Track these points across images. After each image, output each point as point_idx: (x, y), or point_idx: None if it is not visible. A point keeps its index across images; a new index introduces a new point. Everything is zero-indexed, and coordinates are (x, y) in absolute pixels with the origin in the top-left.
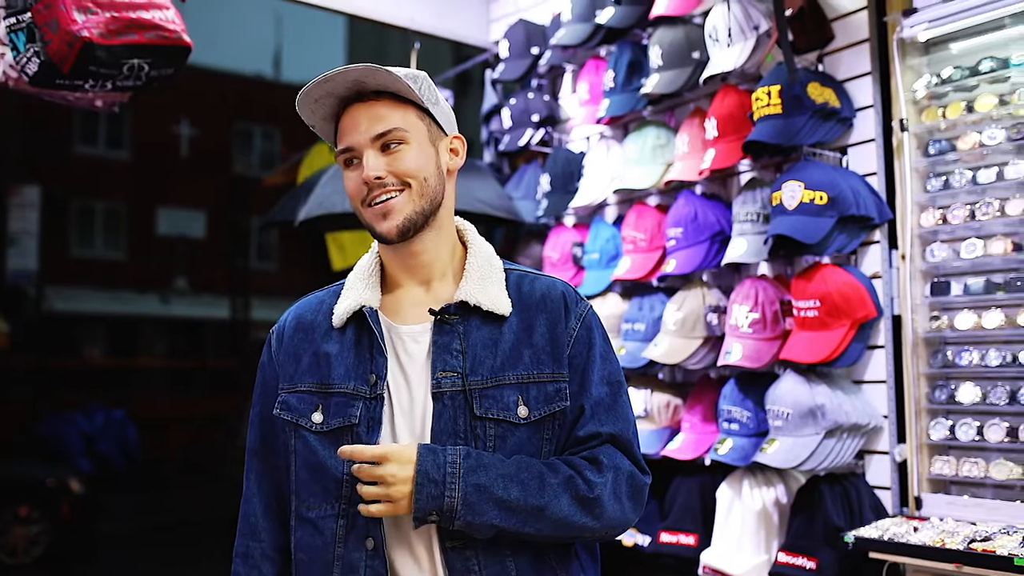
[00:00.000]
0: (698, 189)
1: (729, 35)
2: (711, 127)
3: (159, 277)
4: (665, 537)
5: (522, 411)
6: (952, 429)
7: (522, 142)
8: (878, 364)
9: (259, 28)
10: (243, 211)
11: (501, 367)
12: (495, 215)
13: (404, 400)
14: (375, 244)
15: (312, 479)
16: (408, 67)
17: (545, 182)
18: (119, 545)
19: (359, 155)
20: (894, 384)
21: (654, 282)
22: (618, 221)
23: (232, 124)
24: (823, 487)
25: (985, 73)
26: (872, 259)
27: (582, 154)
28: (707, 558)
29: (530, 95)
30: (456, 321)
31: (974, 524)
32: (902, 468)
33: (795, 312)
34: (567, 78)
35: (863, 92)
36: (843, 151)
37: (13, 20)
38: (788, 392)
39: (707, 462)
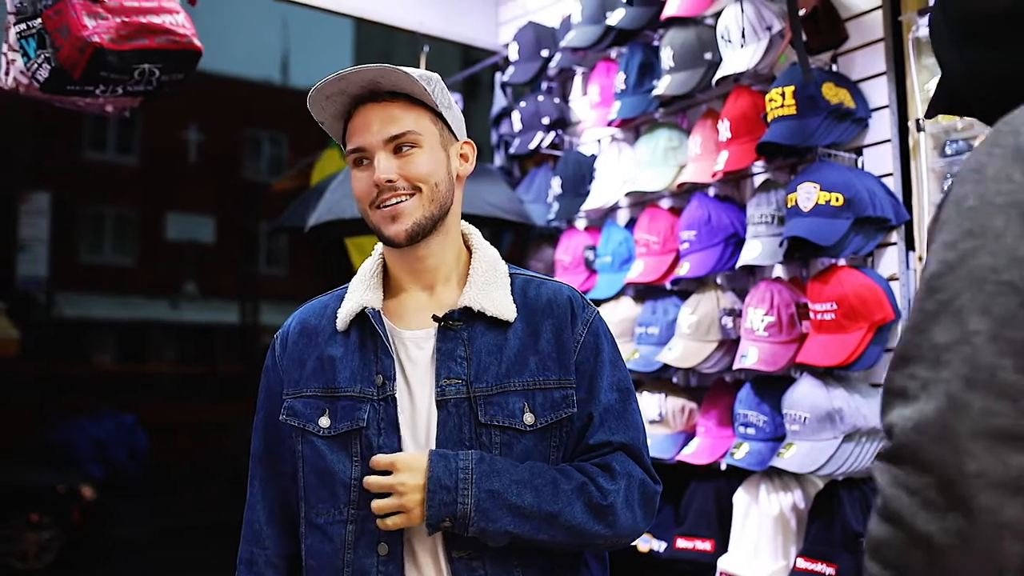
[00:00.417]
0: (711, 191)
1: (742, 36)
2: (724, 128)
3: (169, 282)
4: (681, 543)
5: (528, 418)
6: None
7: (532, 145)
8: None
9: (266, 33)
10: (252, 216)
11: (506, 374)
12: (505, 219)
13: (407, 407)
14: (378, 247)
15: (320, 484)
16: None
17: (556, 185)
18: (130, 550)
19: (370, 156)
20: None
21: (667, 285)
22: (630, 224)
23: (240, 129)
24: (842, 492)
25: None
26: (889, 261)
27: (593, 157)
28: (724, 564)
29: (540, 98)
30: (460, 327)
31: None
32: None
33: (811, 315)
34: (577, 80)
35: (878, 92)
36: (858, 152)
37: (23, 26)
38: (805, 396)
39: (723, 467)
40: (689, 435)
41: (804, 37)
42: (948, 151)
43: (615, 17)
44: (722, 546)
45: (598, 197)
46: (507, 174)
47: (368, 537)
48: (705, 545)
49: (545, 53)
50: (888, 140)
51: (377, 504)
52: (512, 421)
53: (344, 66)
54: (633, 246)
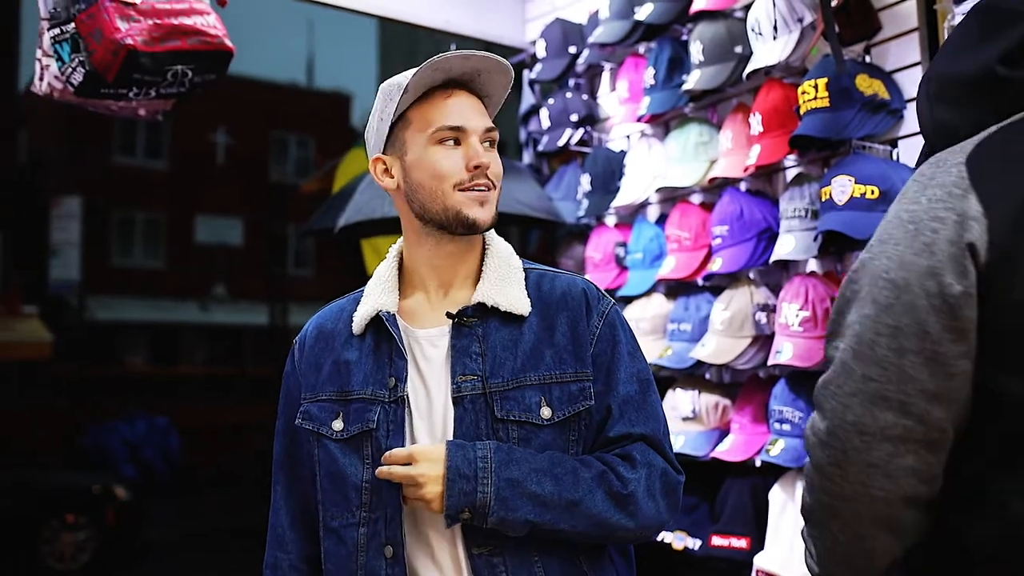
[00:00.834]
0: (743, 186)
1: (775, 28)
2: (756, 122)
3: (198, 285)
4: (717, 540)
5: (545, 412)
6: None
7: (561, 142)
8: None
9: (292, 36)
10: (280, 218)
11: (522, 368)
12: (535, 216)
13: (423, 405)
14: (392, 250)
15: (333, 488)
16: None
17: (585, 182)
18: (163, 552)
19: (465, 138)
20: None
21: (700, 281)
22: (661, 220)
23: (267, 132)
24: None
25: None
26: None
27: (623, 153)
28: (760, 562)
29: (568, 95)
30: (475, 323)
31: None
32: None
33: None
34: (606, 76)
35: (913, 83)
36: (893, 144)
37: (57, 31)
38: None
39: (758, 463)
40: (723, 432)
41: (837, 28)
42: None
43: (643, 12)
44: (758, 544)
45: (628, 193)
46: (536, 172)
47: (379, 540)
48: (741, 543)
49: (573, 49)
50: None
51: (404, 492)
52: (529, 415)
53: (369, 67)
54: (664, 242)
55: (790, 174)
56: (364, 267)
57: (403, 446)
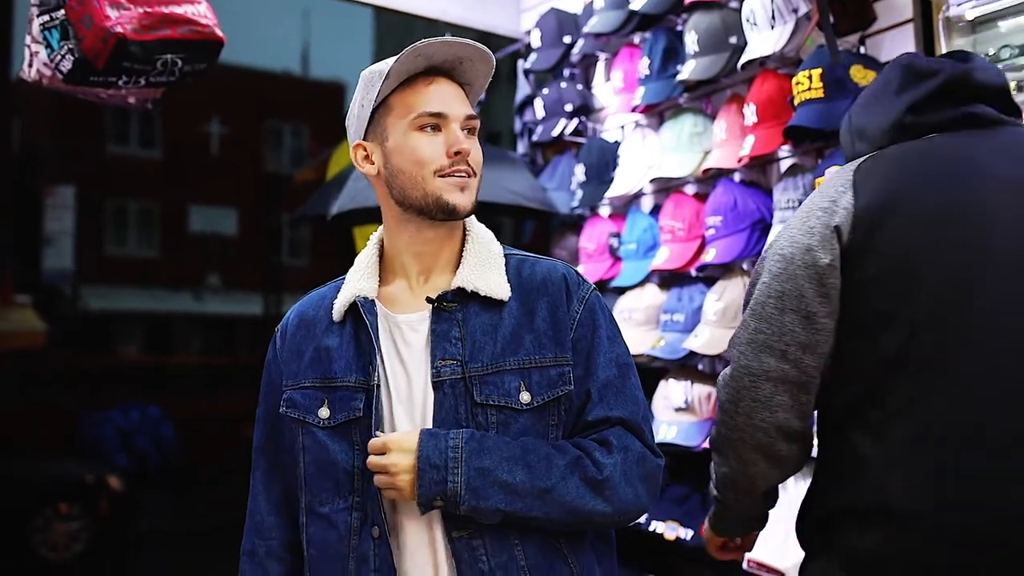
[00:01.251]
0: (737, 176)
1: (770, 18)
2: (750, 113)
3: (192, 275)
4: None
5: (524, 397)
6: None
7: (556, 132)
8: None
9: (286, 25)
10: (274, 208)
11: (501, 353)
12: (528, 206)
13: (403, 390)
14: (373, 237)
15: (323, 474)
16: None
17: (580, 172)
18: (157, 543)
19: (445, 125)
20: None
21: (693, 272)
22: (655, 211)
23: (262, 122)
24: None
25: None
26: None
27: (617, 143)
28: (753, 552)
29: (563, 84)
30: (455, 308)
31: None
32: None
33: None
34: (600, 66)
35: None
36: None
37: (47, 18)
38: None
39: None
40: (716, 423)
41: (831, 19)
42: None
43: (638, 1)
44: None
45: (622, 184)
46: (530, 162)
47: (370, 523)
48: None
49: (568, 39)
50: None
51: (376, 480)
52: (508, 400)
53: (364, 57)
54: (658, 233)
55: (784, 165)
56: (356, 255)
57: (383, 432)
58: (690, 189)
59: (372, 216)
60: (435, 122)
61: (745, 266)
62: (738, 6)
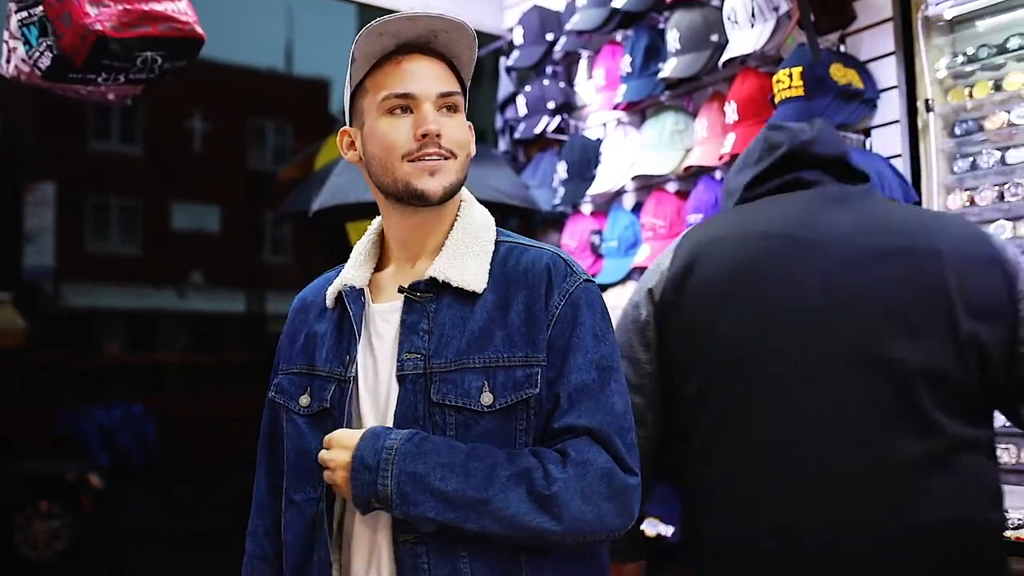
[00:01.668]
0: (718, 174)
1: (751, 17)
2: (731, 111)
3: (175, 272)
4: None
5: (486, 398)
6: None
7: (538, 129)
8: None
9: (270, 22)
10: (257, 205)
11: (467, 349)
12: (510, 204)
13: (371, 382)
14: (373, 224)
15: (299, 462)
16: None
17: (562, 170)
18: (143, 540)
19: (416, 105)
20: None
21: None
22: (637, 208)
23: (245, 119)
24: None
25: (1013, 51)
26: None
27: (599, 141)
28: None
29: (545, 82)
30: (428, 299)
31: (1006, 512)
32: None
33: None
34: (583, 64)
35: (887, 72)
36: (867, 133)
37: (25, 14)
38: None
39: None
40: None
41: (812, 17)
42: (958, 131)
43: None
44: None
45: (604, 181)
46: (512, 159)
47: (330, 515)
48: None
49: (550, 37)
50: (897, 121)
51: (324, 475)
52: (467, 401)
53: (347, 55)
54: (639, 230)
55: None
56: (344, 251)
57: (349, 426)
58: (671, 187)
59: (355, 213)
60: (404, 103)
61: None
62: (720, 4)
